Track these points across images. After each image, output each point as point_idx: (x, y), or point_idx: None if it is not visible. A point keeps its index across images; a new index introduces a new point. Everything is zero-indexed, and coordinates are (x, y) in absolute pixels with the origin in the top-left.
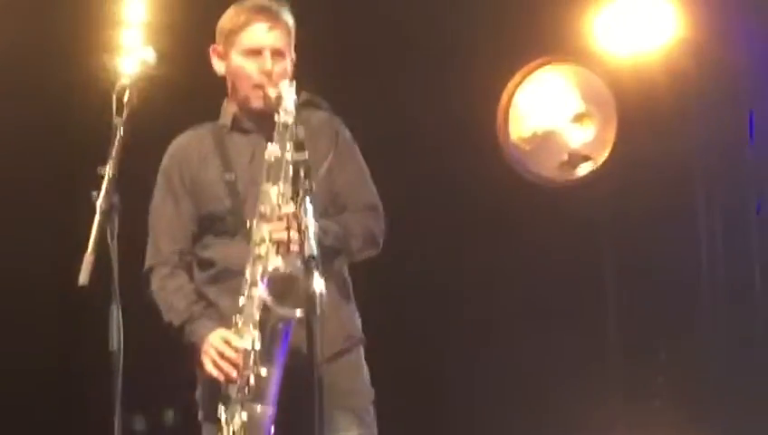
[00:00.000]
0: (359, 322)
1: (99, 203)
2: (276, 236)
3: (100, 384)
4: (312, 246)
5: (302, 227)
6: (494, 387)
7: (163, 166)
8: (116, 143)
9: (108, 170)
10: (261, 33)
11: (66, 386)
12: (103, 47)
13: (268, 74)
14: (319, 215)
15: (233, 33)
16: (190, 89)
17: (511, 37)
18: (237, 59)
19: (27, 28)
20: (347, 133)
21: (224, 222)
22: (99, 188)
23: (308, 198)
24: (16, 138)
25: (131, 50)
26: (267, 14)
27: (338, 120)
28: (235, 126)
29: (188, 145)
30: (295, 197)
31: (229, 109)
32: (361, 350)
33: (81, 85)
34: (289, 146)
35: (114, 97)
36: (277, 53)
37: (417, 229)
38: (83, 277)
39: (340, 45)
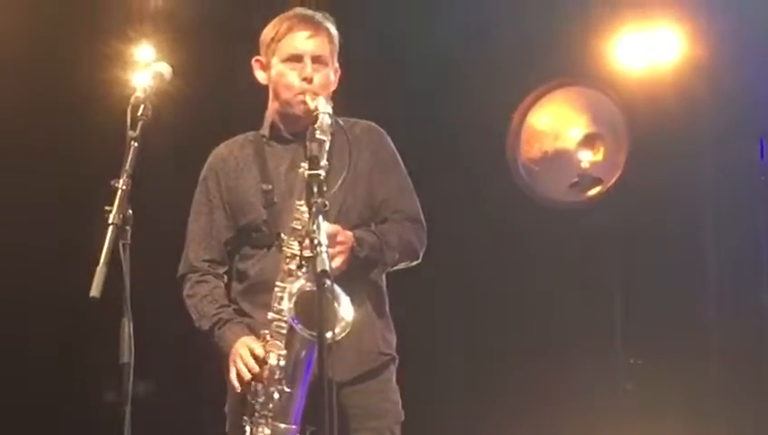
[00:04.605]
0: (393, 338)
1: (111, 216)
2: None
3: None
4: (324, 262)
5: (315, 243)
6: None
7: (202, 175)
8: (129, 157)
9: (121, 184)
10: (301, 40)
11: (77, 397)
12: (118, 61)
13: (308, 80)
14: (354, 226)
15: (274, 41)
16: (205, 103)
17: (525, 59)
18: (278, 66)
19: (42, 40)
20: (390, 144)
21: (260, 233)
22: (112, 202)
23: (321, 215)
24: (30, 150)
25: (146, 64)
26: (309, 22)
27: (381, 130)
28: (274, 135)
29: (228, 154)
30: (309, 213)
31: (269, 117)
32: (393, 369)
33: (95, 99)
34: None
35: (128, 111)
36: (318, 61)
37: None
38: (95, 290)
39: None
